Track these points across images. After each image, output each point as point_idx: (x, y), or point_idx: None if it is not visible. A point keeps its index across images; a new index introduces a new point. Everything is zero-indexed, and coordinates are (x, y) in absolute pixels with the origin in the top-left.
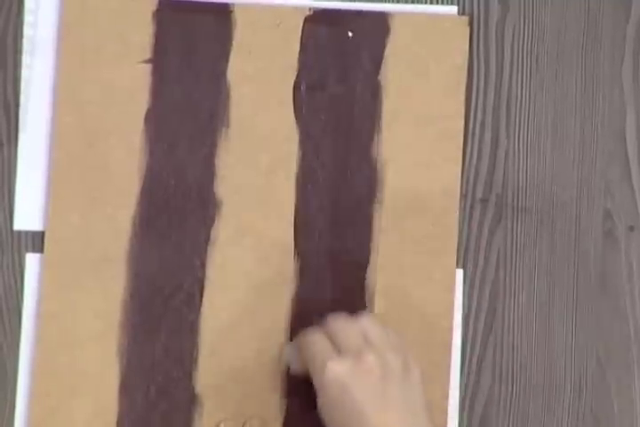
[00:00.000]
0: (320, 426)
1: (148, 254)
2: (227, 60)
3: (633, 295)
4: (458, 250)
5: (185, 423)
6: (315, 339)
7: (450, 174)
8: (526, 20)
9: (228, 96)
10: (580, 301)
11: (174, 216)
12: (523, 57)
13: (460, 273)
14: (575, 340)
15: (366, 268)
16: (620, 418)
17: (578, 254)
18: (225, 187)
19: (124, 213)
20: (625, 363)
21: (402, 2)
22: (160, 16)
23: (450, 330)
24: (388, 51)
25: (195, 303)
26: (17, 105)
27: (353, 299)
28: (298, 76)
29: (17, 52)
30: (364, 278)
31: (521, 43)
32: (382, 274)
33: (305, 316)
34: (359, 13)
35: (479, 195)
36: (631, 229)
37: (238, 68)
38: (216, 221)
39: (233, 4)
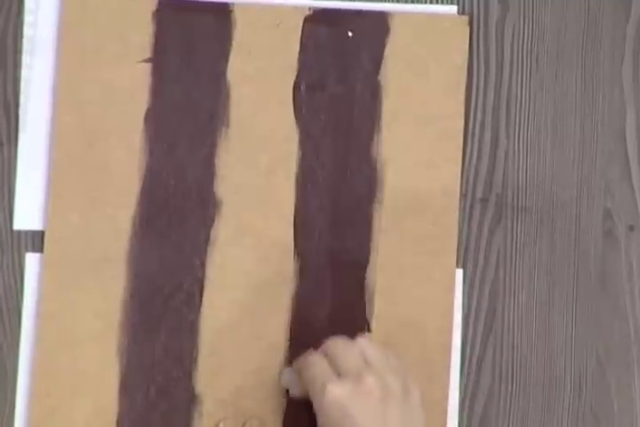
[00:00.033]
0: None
1: (148, 254)
2: (226, 60)
3: (633, 295)
4: (458, 250)
5: (185, 423)
6: (314, 361)
7: (450, 174)
8: (526, 20)
9: (227, 96)
10: (580, 300)
11: (174, 216)
12: (522, 57)
13: (459, 273)
14: (575, 339)
15: (366, 268)
16: (620, 417)
17: (578, 254)
18: (225, 187)
19: (124, 213)
20: (625, 362)
21: (402, 1)
22: (160, 16)
23: (450, 330)
24: (387, 50)
25: (194, 303)
26: (17, 105)
27: (353, 299)
28: (298, 76)
29: (17, 51)
30: (363, 278)
31: (521, 42)
32: (382, 274)
33: (305, 316)
34: (359, 13)
35: (479, 195)
36: (631, 228)
37: (238, 68)
38: (216, 221)
39: (233, 4)
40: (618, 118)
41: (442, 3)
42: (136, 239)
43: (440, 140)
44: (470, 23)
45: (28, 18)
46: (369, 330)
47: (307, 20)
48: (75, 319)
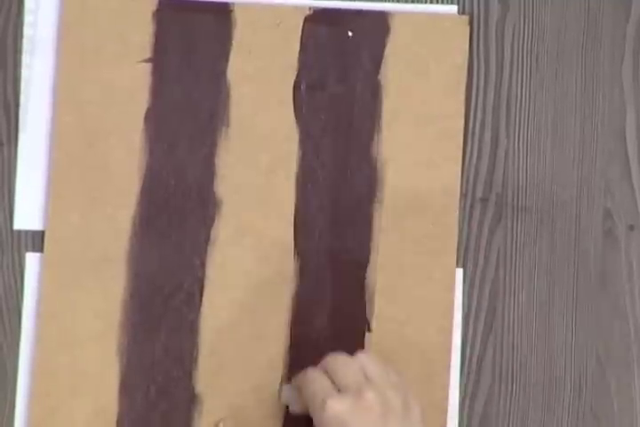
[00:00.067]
0: None
1: (148, 254)
2: (227, 60)
3: (633, 294)
4: (458, 249)
5: (185, 423)
6: (314, 377)
7: (450, 174)
8: (526, 20)
9: (228, 96)
10: (580, 300)
11: (174, 216)
12: (523, 56)
13: (459, 272)
14: (575, 339)
15: (366, 267)
16: (620, 417)
17: (578, 254)
18: (225, 186)
19: (123, 213)
20: (625, 362)
21: (402, 1)
22: (160, 15)
23: (450, 329)
24: (387, 50)
25: (195, 303)
26: (17, 105)
27: (353, 298)
28: (298, 76)
29: (17, 51)
30: (363, 278)
31: (521, 42)
32: (382, 273)
33: (305, 315)
34: (359, 13)
35: (479, 194)
36: (631, 228)
37: (238, 68)
38: (216, 221)
39: (233, 4)
40: (618, 118)
41: (442, 2)
42: (136, 239)
43: (440, 139)
44: (470, 23)
45: (28, 18)
46: (369, 330)
47: (307, 19)
48: (75, 319)
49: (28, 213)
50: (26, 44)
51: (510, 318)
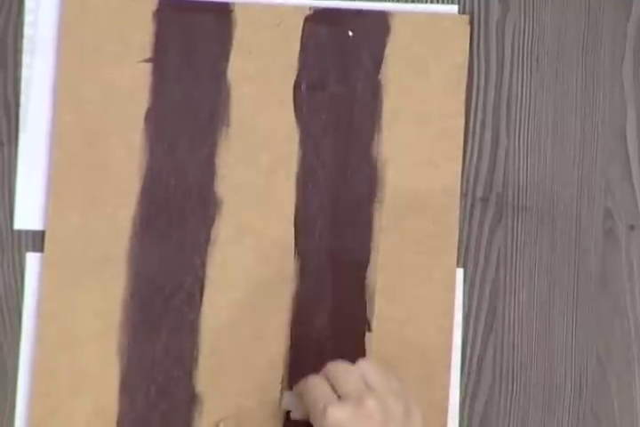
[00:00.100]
0: None
1: (149, 254)
2: (227, 60)
3: (633, 294)
4: (458, 249)
5: (185, 423)
6: (315, 384)
7: (450, 173)
8: (527, 19)
9: (228, 95)
10: (581, 299)
11: (174, 216)
12: (523, 56)
13: (460, 272)
14: (575, 338)
15: (366, 267)
16: (621, 417)
17: (578, 253)
18: (225, 186)
19: (124, 213)
20: (625, 361)
21: (402, 1)
22: (160, 15)
23: (450, 329)
24: (388, 50)
25: (195, 303)
26: (17, 105)
27: (353, 298)
28: (298, 76)
29: (17, 51)
30: (364, 278)
31: (521, 42)
32: (382, 273)
33: (305, 315)
34: (359, 13)
35: (479, 194)
36: (631, 228)
37: (238, 68)
38: (216, 221)
39: (233, 4)
40: (618, 117)
41: (442, 2)
42: (136, 239)
43: (440, 139)
44: (471, 22)
45: (28, 18)
46: (369, 330)
47: (307, 19)
48: (75, 319)
49: (28, 213)
50: (26, 44)
51: (511, 317)
